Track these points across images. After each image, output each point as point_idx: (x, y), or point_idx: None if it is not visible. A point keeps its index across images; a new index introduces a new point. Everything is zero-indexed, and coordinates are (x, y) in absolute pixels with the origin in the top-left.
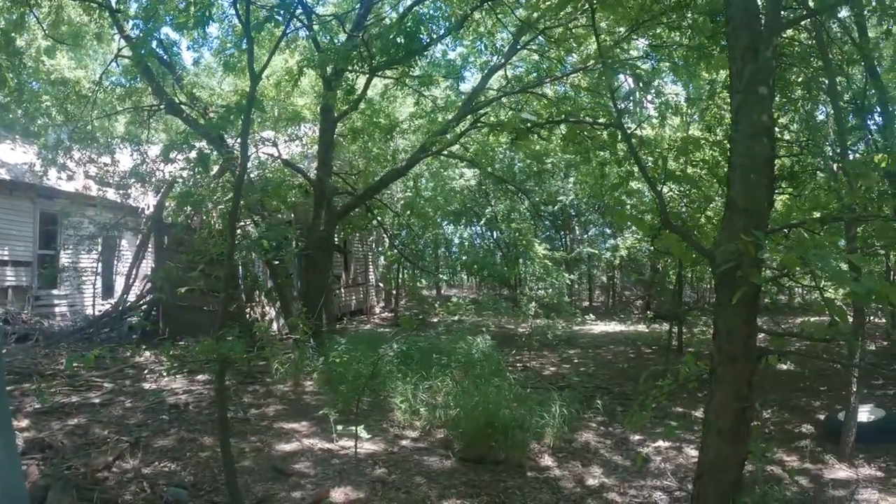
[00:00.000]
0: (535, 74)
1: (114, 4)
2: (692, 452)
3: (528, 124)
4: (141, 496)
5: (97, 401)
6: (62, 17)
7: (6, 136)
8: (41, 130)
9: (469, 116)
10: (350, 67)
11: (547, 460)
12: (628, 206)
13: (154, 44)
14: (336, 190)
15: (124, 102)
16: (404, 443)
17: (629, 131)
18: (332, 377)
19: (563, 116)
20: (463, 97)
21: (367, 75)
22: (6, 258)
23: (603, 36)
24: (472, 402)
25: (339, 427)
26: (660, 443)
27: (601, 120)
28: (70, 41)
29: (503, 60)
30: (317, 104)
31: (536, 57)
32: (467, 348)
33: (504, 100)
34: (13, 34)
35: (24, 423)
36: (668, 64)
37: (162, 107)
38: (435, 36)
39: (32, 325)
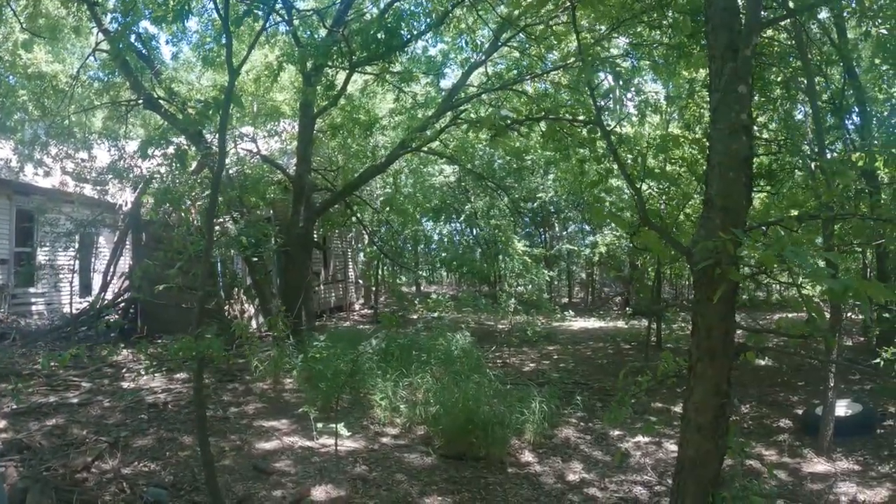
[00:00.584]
0: (515, 71)
1: None
2: (671, 447)
3: (507, 121)
4: (120, 497)
5: (75, 401)
6: (40, 10)
7: None
8: (17, 125)
9: (449, 113)
10: (330, 63)
11: (527, 456)
12: (607, 204)
13: (132, 38)
14: (315, 186)
15: (102, 97)
16: (385, 440)
17: (608, 129)
18: (311, 375)
19: (542, 113)
20: (443, 94)
21: (348, 71)
22: None
23: (584, 34)
24: (452, 399)
25: (320, 425)
26: (639, 438)
27: (581, 117)
28: (47, 34)
29: (484, 57)
30: (296, 100)
31: (517, 54)
32: (447, 345)
33: (484, 96)
34: None
35: (2, 424)
36: (648, 62)
37: (140, 102)
38: (416, 32)
39: (9, 324)
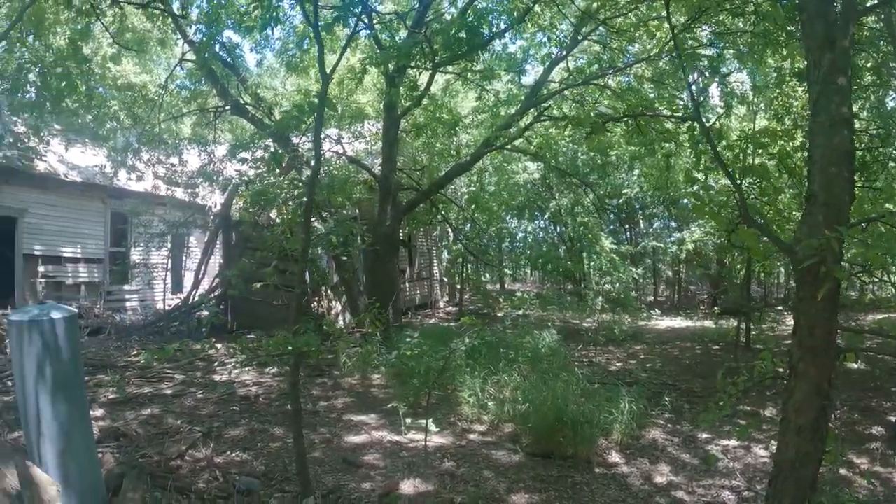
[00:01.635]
0: (596, 66)
1: (176, 10)
2: (761, 452)
3: (603, 119)
4: (213, 484)
5: (169, 392)
6: (126, 25)
7: (77, 140)
8: (110, 134)
9: (532, 110)
10: (412, 64)
11: (615, 457)
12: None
13: (217, 47)
14: (401, 186)
15: (190, 105)
16: (472, 437)
17: (707, 125)
18: (401, 371)
19: (627, 108)
20: (525, 91)
21: (430, 71)
22: (79, 255)
23: (664, 24)
24: (540, 397)
25: (408, 420)
26: (728, 441)
27: (666, 111)
28: (135, 48)
29: (564, 52)
30: (380, 101)
31: (598, 48)
32: (534, 343)
33: (567, 92)
34: (80, 43)
35: (100, 412)
36: (732, 51)
37: (227, 108)
38: (496, 30)
39: (105, 319)
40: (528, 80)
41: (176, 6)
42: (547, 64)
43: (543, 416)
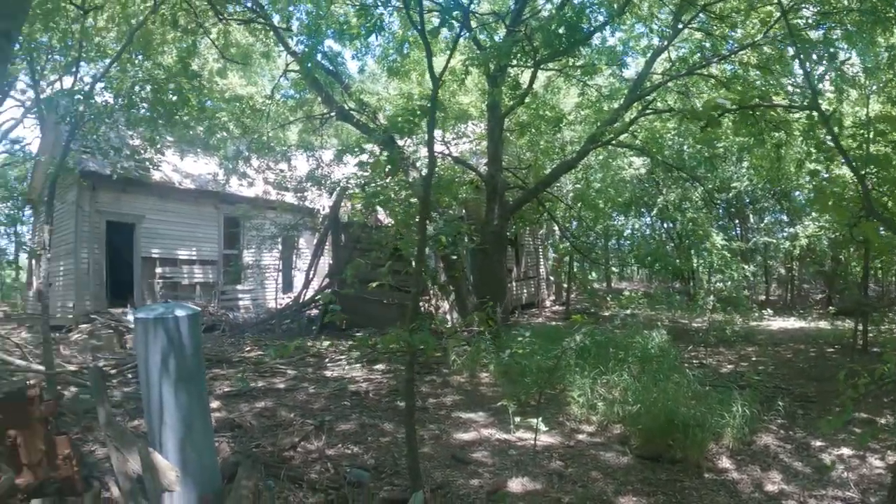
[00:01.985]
0: (698, 55)
1: (277, 23)
2: (876, 463)
3: (721, 111)
4: (325, 475)
5: (282, 386)
6: (231, 41)
7: (189, 151)
8: (220, 143)
9: (636, 104)
10: (513, 63)
11: (725, 462)
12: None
13: (319, 57)
14: (507, 185)
15: (296, 112)
16: (581, 437)
17: (827, 114)
18: (510, 369)
19: (736, 98)
20: (627, 84)
21: (532, 69)
22: (194, 258)
23: (769, 7)
24: (650, 398)
25: (517, 419)
26: (843, 450)
27: (783, 101)
28: (240, 61)
29: (665, 43)
30: (482, 101)
31: (699, 35)
32: (643, 343)
33: (670, 83)
34: (188, 60)
35: (216, 404)
36: (839, 31)
37: (333, 114)
38: (595, 24)
39: (219, 317)
40: (629, 73)
41: (276, 19)
42: (648, 55)
43: (654, 417)
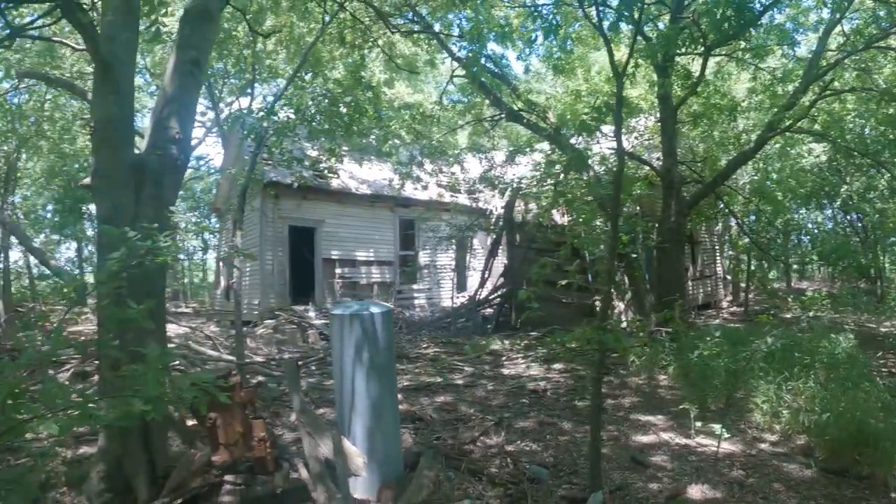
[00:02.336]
0: (873, 26)
1: (437, 31)
2: None
3: None
4: (504, 470)
5: (460, 382)
6: (395, 52)
7: (364, 158)
8: (392, 150)
9: (812, 85)
10: (681, 51)
11: None
12: None
13: (483, 60)
14: (683, 179)
15: (465, 116)
16: (763, 446)
17: None
18: (689, 371)
19: None
20: (801, 64)
21: (702, 56)
22: (372, 258)
23: None
24: (838, 408)
25: (698, 423)
26: None
27: None
28: (407, 70)
29: (837, 15)
30: (651, 93)
31: (870, 3)
32: (830, 348)
33: (847, 60)
34: (358, 73)
35: (398, 397)
36: None
37: (502, 116)
38: (766, 2)
39: (395, 315)
40: (801, 51)
41: (437, 27)
42: (821, 32)
43: (841, 429)
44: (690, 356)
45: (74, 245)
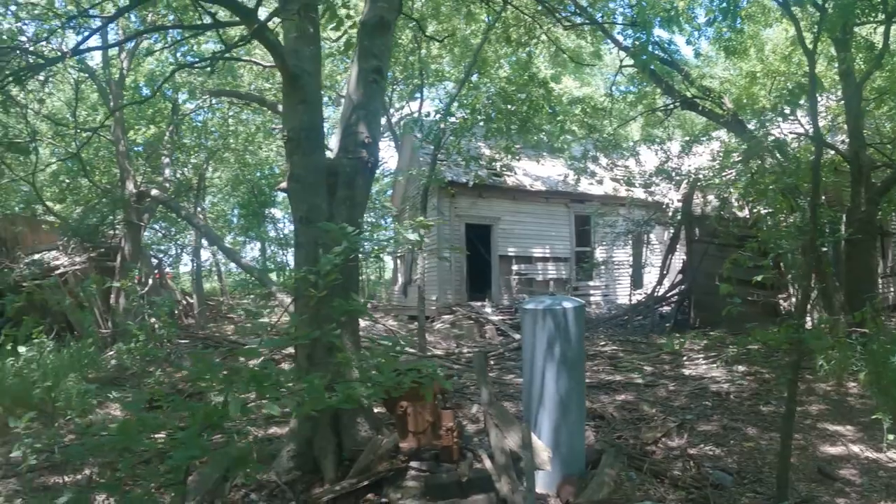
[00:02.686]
0: None
1: (599, 19)
2: None
3: None
4: (687, 474)
5: (640, 381)
6: (560, 47)
7: (537, 155)
8: (564, 145)
9: None
10: (859, 20)
11: None
12: None
13: (650, 47)
14: (872, 163)
15: (636, 107)
16: None
17: None
18: (884, 379)
19: None
20: None
21: (883, 25)
22: (548, 255)
23: None
24: None
25: (891, 437)
26: None
27: None
28: (575, 62)
29: None
30: (830, 70)
31: None
32: None
33: None
34: (526, 70)
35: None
36: None
37: (677, 104)
38: None
39: None
40: None
41: (599, 17)
42: None
43: None
44: (891, 360)
45: (258, 245)
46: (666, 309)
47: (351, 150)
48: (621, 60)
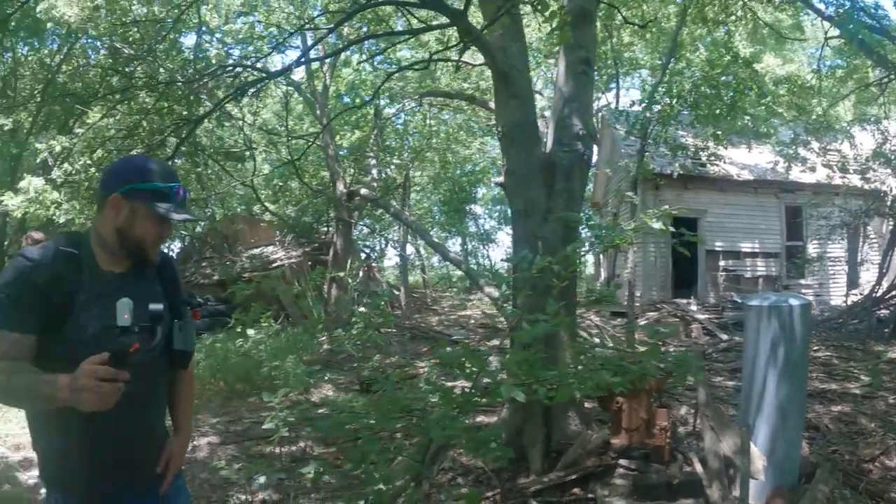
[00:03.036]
0: None
1: None
2: None
3: None
4: None
5: (857, 392)
6: (757, 22)
7: (741, 141)
8: (771, 129)
9: None
10: None
11: None
12: None
13: (856, 14)
14: None
15: (845, 83)
16: None
17: None
18: None
19: None
20: None
21: None
22: (756, 250)
23: None
24: None
25: None
26: None
27: None
28: (772, 42)
29: None
30: None
31: None
32: None
33: None
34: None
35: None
36: None
37: (892, 77)
38: None
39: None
40: None
41: None
42: None
43: None
44: None
45: (459, 240)
46: (884, 312)
47: (566, 143)
48: (825, 32)
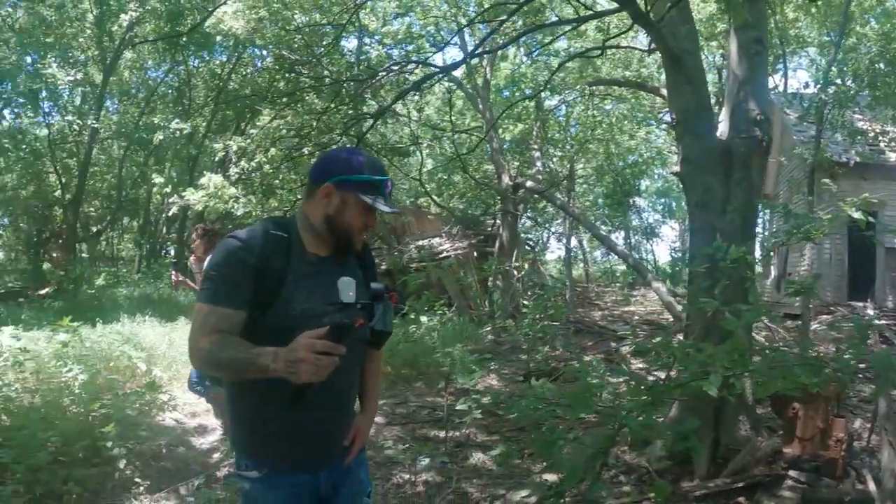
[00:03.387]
0: None
1: None
2: None
3: None
4: None
5: None
6: None
7: None
8: None
9: None
10: None
11: None
12: None
13: None
14: None
15: None
16: None
17: None
18: None
19: None
20: None
21: None
22: None
23: None
24: None
25: None
26: None
27: None
28: None
29: None
30: None
31: None
32: None
33: None
34: None
35: None
36: None
37: None
38: None
39: None
40: None
41: None
42: None
43: None
44: None
45: (622, 234)
46: None
47: (743, 128)
48: None
